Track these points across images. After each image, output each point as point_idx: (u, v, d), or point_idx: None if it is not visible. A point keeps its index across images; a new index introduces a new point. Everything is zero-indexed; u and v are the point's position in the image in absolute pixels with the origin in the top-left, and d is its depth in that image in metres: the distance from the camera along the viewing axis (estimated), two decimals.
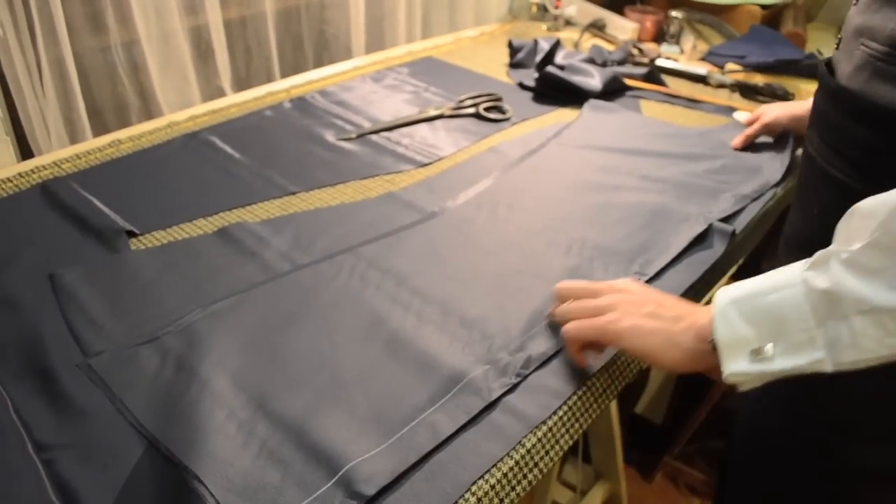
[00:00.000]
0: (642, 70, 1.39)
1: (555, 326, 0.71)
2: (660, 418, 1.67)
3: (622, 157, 1.06)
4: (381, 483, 0.53)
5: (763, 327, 0.52)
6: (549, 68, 1.30)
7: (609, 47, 1.56)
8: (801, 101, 1.08)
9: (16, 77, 1.04)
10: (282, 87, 1.25)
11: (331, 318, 0.71)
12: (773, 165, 1.03)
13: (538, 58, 1.38)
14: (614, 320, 0.61)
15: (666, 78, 1.40)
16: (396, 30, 1.63)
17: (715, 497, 0.97)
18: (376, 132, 1.12)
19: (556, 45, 1.41)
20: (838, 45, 0.66)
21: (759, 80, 1.38)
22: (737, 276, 0.70)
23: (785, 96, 1.30)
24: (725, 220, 0.90)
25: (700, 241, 0.86)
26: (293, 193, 0.94)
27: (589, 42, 1.62)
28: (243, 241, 0.82)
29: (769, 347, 0.52)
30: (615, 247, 0.84)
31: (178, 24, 1.23)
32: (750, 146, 1.09)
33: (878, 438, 0.69)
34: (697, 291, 0.81)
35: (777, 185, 0.99)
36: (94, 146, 1.01)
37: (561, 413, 0.62)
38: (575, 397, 0.64)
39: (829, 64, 0.68)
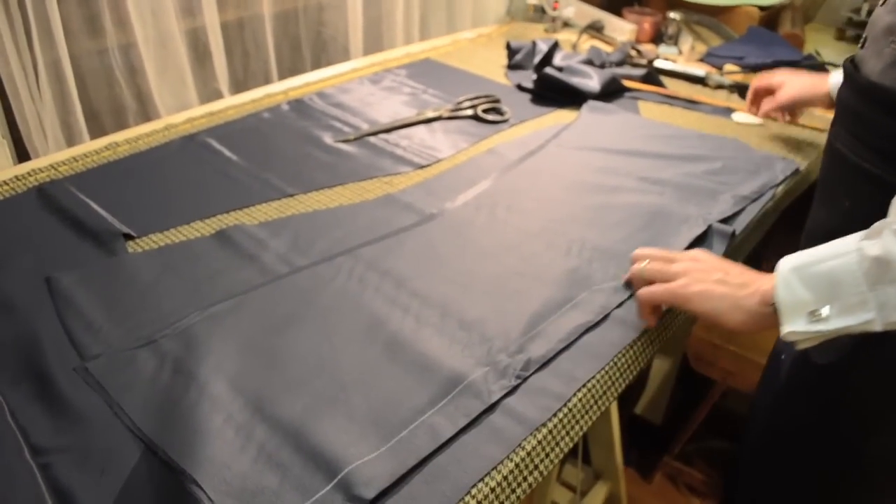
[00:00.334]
0: (641, 71, 1.39)
1: (554, 327, 0.70)
2: (659, 419, 1.67)
3: (621, 158, 1.06)
4: (380, 486, 0.53)
5: (820, 291, 0.57)
6: (548, 70, 1.29)
7: (607, 49, 1.56)
8: (819, 80, 1.07)
9: (12, 79, 1.04)
10: (279, 90, 1.25)
11: (329, 320, 0.71)
12: (772, 166, 1.03)
13: (536, 59, 1.38)
14: (685, 285, 0.67)
15: (664, 79, 1.40)
16: (394, 31, 1.63)
17: (724, 495, 0.97)
18: (374, 134, 1.12)
19: (555, 47, 1.41)
20: (863, 44, 0.68)
21: None
22: None
23: None
24: (725, 221, 0.90)
25: (700, 242, 0.86)
26: (291, 195, 0.93)
27: (587, 43, 1.62)
28: (241, 243, 0.82)
29: (825, 309, 0.57)
30: (615, 248, 0.84)
31: (175, 26, 1.23)
32: (749, 149, 1.09)
33: None
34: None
35: (776, 185, 0.99)
36: (91, 149, 1.01)
37: (561, 415, 0.62)
38: (575, 399, 0.63)
39: (852, 62, 0.69)
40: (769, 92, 1.13)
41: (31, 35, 1.05)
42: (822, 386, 0.74)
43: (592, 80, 1.29)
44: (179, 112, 1.18)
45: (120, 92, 1.22)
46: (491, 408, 0.61)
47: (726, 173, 1.01)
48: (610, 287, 0.77)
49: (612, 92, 1.30)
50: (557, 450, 0.61)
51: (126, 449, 0.56)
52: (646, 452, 1.62)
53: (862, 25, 1.63)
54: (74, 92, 1.12)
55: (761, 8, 1.68)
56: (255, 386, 0.62)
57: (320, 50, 1.56)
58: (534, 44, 1.44)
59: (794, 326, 0.58)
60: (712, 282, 0.66)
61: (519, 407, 0.61)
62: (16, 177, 0.92)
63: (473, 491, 0.54)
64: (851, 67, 0.68)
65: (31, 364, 0.64)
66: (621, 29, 1.66)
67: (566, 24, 1.75)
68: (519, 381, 0.64)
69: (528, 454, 0.58)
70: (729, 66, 1.48)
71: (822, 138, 1.15)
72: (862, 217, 0.59)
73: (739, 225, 0.90)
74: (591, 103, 1.25)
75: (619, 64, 1.45)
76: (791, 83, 1.10)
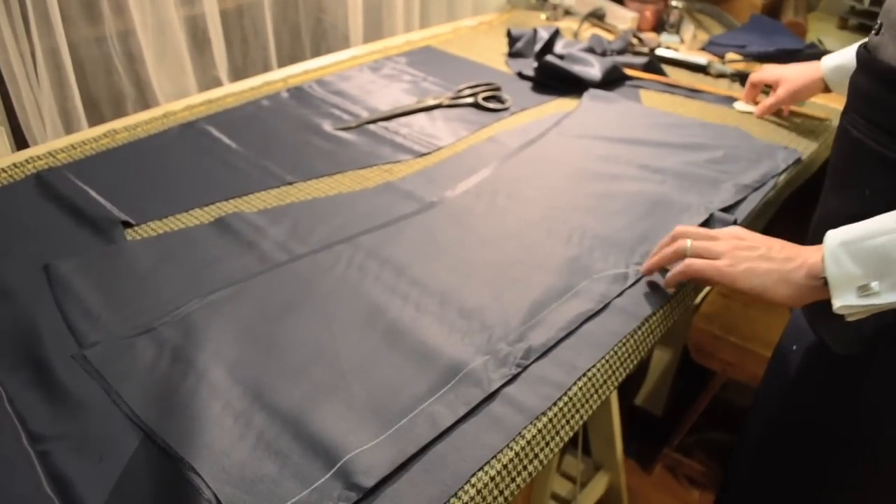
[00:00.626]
0: (642, 60, 1.38)
1: (554, 315, 0.70)
2: (659, 410, 1.67)
3: (622, 146, 1.05)
4: (379, 475, 0.53)
5: (869, 266, 0.58)
6: (549, 57, 1.29)
7: (608, 37, 1.55)
8: (810, 68, 1.09)
9: (10, 67, 1.03)
10: (279, 77, 1.24)
11: (329, 308, 0.70)
12: (774, 155, 1.03)
13: (537, 47, 1.37)
14: (731, 264, 0.68)
15: (666, 68, 1.39)
16: (394, 19, 1.62)
17: (722, 484, 0.97)
18: (374, 122, 1.11)
19: (556, 35, 1.40)
20: (878, 31, 0.67)
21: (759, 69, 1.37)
22: None
23: None
24: (726, 209, 0.89)
25: None
26: (290, 183, 0.93)
27: (588, 32, 1.60)
28: (240, 231, 0.82)
29: (875, 284, 0.58)
30: (615, 236, 0.83)
31: (174, 13, 1.22)
32: (750, 137, 1.09)
33: None
34: (699, 282, 0.80)
35: (778, 174, 0.98)
36: (90, 136, 1.00)
37: (561, 404, 0.62)
38: (575, 388, 0.63)
39: (866, 48, 0.68)
40: (766, 86, 1.17)
41: (28, 22, 1.04)
42: (838, 378, 0.73)
43: (594, 69, 1.28)
44: (178, 100, 1.17)
45: (118, 79, 1.22)
46: (491, 396, 0.61)
47: (728, 162, 1.00)
48: (611, 275, 0.77)
49: (613, 80, 1.30)
50: (557, 439, 0.61)
51: (124, 436, 0.56)
52: (646, 444, 1.62)
53: (865, 14, 1.62)
54: (73, 79, 1.11)
55: None
56: (254, 374, 0.62)
57: (320, 38, 1.55)
58: (535, 31, 1.43)
59: (845, 301, 0.59)
60: (756, 258, 0.67)
61: (519, 395, 0.61)
62: (14, 164, 0.91)
63: (473, 479, 0.54)
64: (867, 54, 0.68)
65: (29, 351, 0.64)
66: (623, 17, 1.64)
67: (567, 12, 1.74)
68: (519, 369, 0.63)
69: (528, 443, 0.58)
70: (731, 55, 1.47)
71: (824, 127, 1.15)
72: (884, 205, 0.59)
73: (741, 214, 0.89)
74: (592, 91, 1.24)
75: (621, 52, 1.44)
76: (787, 78, 1.12)
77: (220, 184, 0.92)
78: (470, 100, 1.20)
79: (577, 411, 0.63)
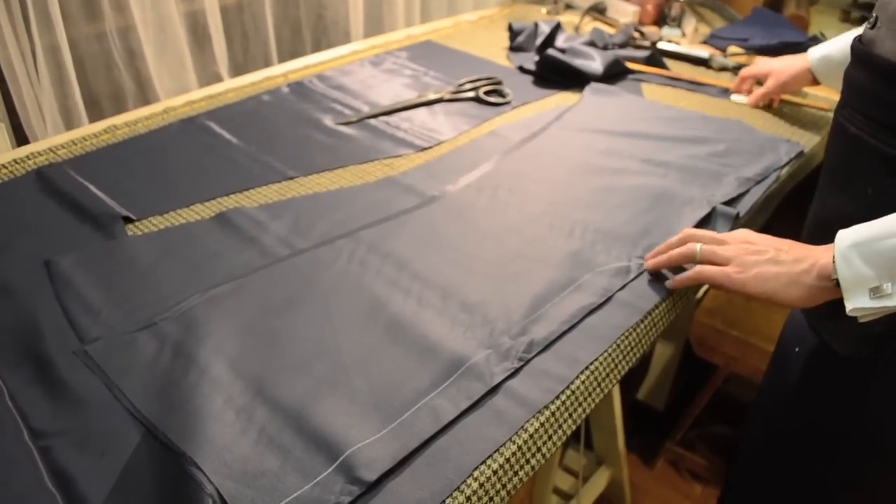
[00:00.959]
0: (644, 53, 1.38)
1: (556, 309, 0.70)
2: (661, 404, 1.67)
3: (624, 140, 1.05)
4: (382, 468, 0.52)
5: (882, 268, 0.58)
6: (550, 51, 1.28)
7: (610, 31, 1.55)
8: (798, 60, 1.11)
9: (10, 64, 1.03)
10: (280, 72, 1.24)
11: (330, 302, 0.70)
12: (776, 148, 1.02)
13: (538, 41, 1.37)
14: (740, 271, 0.68)
15: (668, 61, 1.39)
16: (395, 14, 1.62)
17: (727, 483, 0.96)
18: (375, 116, 1.11)
19: (557, 29, 1.40)
20: (873, 24, 0.66)
21: None
22: None
23: None
24: (729, 203, 0.89)
25: (703, 224, 0.85)
26: (291, 178, 0.93)
27: (589, 25, 1.60)
28: (241, 226, 0.81)
29: (888, 286, 0.58)
30: (618, 230, 0.83)
31: (174, 9, 1.22)
32: (752, 131, 1.08)
33: None
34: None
35: (780, 168, 0.98)
36: (90, 132, 1.00)
37: (563, 397, 0.61)
38: (578, 381, 0.63)
39: (861, 42, 0.67)
40: (756, 80, 1.21)
41: (29, 19, 1.04)
42: (844, 379, 0.72)
43: (595, 62, 1.28)
44: (179, 95, 1.17)
45: (119, 76, 1.21)
46: (493, 390, 0.61)
47: (730, 155, 1.00)
48: (613, 269, 0.76)
49: (614, 74, 1.29)
50: (560, 432, 0.61)
51: (126, 432, 0.56)
52: (648, 438, 1.62)
53: (866, 7, 1.62)
54: (73, 76, 1.11)
55: None
56: (255, 369, 0.61)
57: (321, 33, 1.55)
58: (536, 25, 1.42)
59: (857, 303, 0.59)
60: (765, 262, 0.67)
61: (521, 389, 0.61)
62: (15, 160, 0.91)
63: (476, 473, 0.54)
64: (862, 48, 0.67)
65: (30, 347, 0.63)
66: (624, 11, 1.64)
67: (568, 6, 1.74)
68: (521, 363, 0.63)
69: (531, 436, 0.58)
70: (733, 48, 1.47)
71: (827, 120, 1.14)
72: (890, 205, 0.59)
73: (743, 207, 0.89)
74: (593, 85, 1.23)
75: (622, 46, 1.44)
76: (776, 70, 1.14)
77: (220, 179, 0.91)
78: (471, 94, 1.19)
79: (580, 404, 0.63)
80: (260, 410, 0.57)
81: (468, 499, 0.53)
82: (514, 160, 0.99)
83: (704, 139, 1.05)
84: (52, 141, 0.97)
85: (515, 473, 0.56)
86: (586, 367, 0.64)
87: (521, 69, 1.32)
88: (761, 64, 1.19)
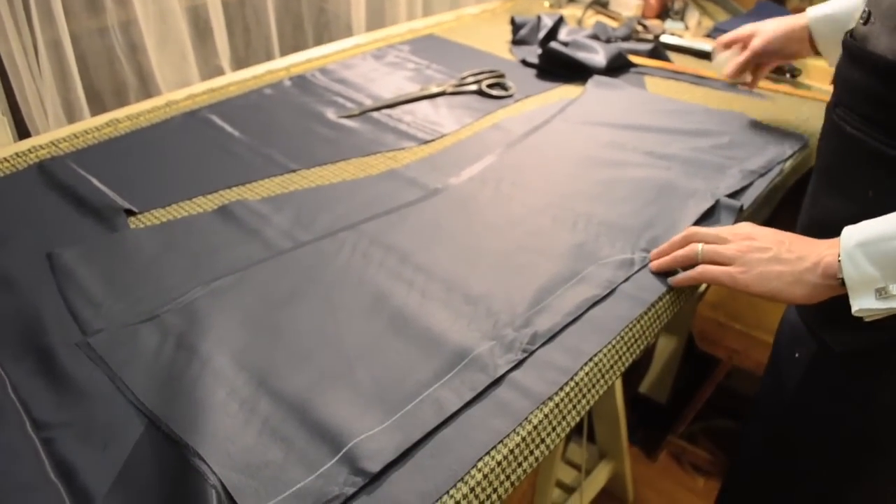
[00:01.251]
0: (647, 46, 1.37)
1: (560, 301, 0.70)
2: (664, 398, 1.67)
3: (627, 133, 1.04)
4: (385, 460, 0.52)
5: (888, 269, 0.57)
6: (553, 44, 1.28)
7: (613, 24, 1.54)
8: (792, 17, 0.99)
9: (12, 58, 1.03)
10: (282, 66, 1.24)
11: (333, 295, 0.70)
12: (780, 141, 1.02)
13: (541, 34, 1.36)
14: (743, 271, 0.67)
15: (671, 54, 1.39)
16: (397, 8, 1.61)
17: (727, 474, 0.96)
18: (378, 109, 1.10)
19: (560, 22, 1.39)
20: (866, 20, 0.64)
21: None
22: None
23: (793, 72, 1.29)
24: (733, 195, 0.88)
25: (707, 216, 0.85)
26: (294, 171, 0.92)
27: (592, 19, 1.60)
28: (244, 218, 0.81)
29: (894, 287, 0.57)
30: (621, 223, 0.83)
31: (176, 3, 1.21)
32: (756, 123, 1.08)
33: None
34: None
35: (784, 160, 0.98)
36: (92, 125, 1.00)
37: (567, 389, 0.61)
38: (582, 373, 0.63)
39: (852, 37, 0.66)
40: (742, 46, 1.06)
41: (30, 13, 1.04)
42: (851, 382, 0.71)
43: (598, 55, 1.27)
44: (181, 89, 1.16)
45: (121, 69, 1.21)
46: (497, 381, 0.60)
47: (734, 148, 1.00)
48: (617, 261, 0.76)
49: (617, 67, 1.29)
50: (564, 424, 0.60)
51: (129, 423, 0.56)
52: (651, 431, 1.62)
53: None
54: (75, 70, 1.11)
55: None
56: (258, 360, 0.61)
57: (323, 27, 1.55)
58: (538, 19, 1.42)
59: (863, 304, 0.58)
60: (768, 260, 0.66)
61: (525, 381, 0.61)
62: (16, 153, 0.91)
63: (479, 464, 0.54)
64: (854, 43, 0.65)
65: (32, 340, 0.63)
66: (627, 4, 1.63)
67: (571, 0, 1.73)
68: (525, 354, 0.63)
69: (535, 428, 0.58)
70: None
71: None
72: (891, 207, 0.58)
73: (747, 199, 0.89)
74: (596, 78, 1.23)
75: (625, 39, 1.43)
76: (762, 29, 1.03)
77: (223, 172, 0.91)
78: (474, 87, 1.19)
79: (584, 396, 0.63)
80: (263, 402, 0.57)
81: (472, 490, 0.53)
82: (518, 153, 0.99)
83: (708, 132, 1.04)
84: (54, 134, 0.97)
85: (519, 465, 0.56)
86: (590, 359, 0.64)
87: (524, 62, 1.32)
88: (745, 26, 1.06)
